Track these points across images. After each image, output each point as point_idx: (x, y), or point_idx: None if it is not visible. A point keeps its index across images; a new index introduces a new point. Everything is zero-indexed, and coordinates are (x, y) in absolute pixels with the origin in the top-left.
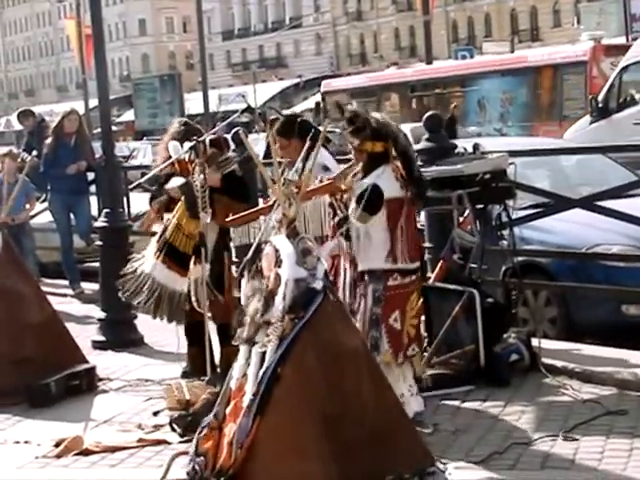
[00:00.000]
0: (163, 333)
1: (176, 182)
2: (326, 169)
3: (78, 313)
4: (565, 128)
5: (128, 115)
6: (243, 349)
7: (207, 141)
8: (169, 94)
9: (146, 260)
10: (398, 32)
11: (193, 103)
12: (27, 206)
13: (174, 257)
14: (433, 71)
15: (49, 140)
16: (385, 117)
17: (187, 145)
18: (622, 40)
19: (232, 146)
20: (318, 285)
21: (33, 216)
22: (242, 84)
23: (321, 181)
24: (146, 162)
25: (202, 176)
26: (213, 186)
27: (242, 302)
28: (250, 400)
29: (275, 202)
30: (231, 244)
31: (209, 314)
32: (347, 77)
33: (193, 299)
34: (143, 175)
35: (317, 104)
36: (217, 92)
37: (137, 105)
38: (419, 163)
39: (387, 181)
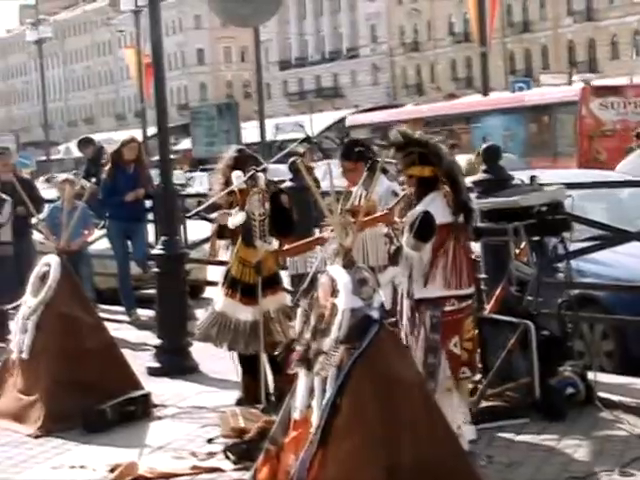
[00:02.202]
0: (218, 361)
1: (237, 219)
2: (396, 195)
3: (134, 339)
4: (558, 163)
5: (185, 143)
6: (303, 379)
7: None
8: (226, 123)
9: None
10: (455, 63)
11: (249, 132)
12: (85, 232)
13: (236, 285)
14: (443, 108)
15: (107, 167)
16: (433, 140)
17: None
18: None
19: None
20: (374, 315)
21: (91, 243)
22: (299, 113)
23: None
24: (202, 190)
25: (260, 204)
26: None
27: (298, 331)
28: (313, 435)
29: (332, 232)
30: (285, 273)
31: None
32: (370, 112)
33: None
34: (199, 203)
35: (341, 139)
36: (274, 121)
37: (194, 133)
38: (474, 194)
39: (438, 207)
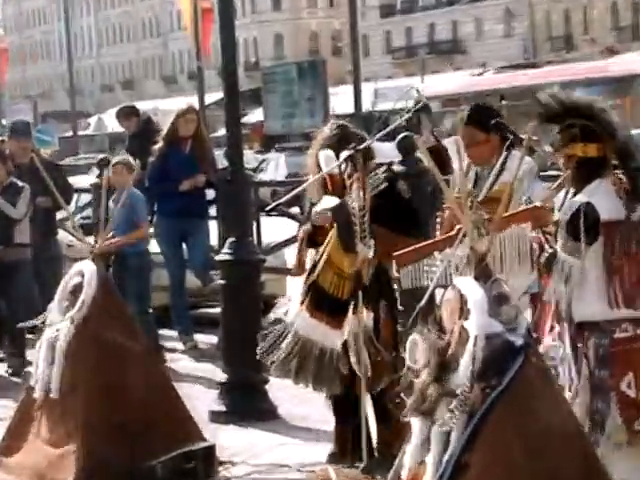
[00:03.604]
0: (303, 403)
1: (327, 203)
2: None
3: (191, 374)
4: None
5: (255, 115)
6: (418, 427)
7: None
8: (309, 87)
9: (291, 306)
10: (616, 8)
11: (340, 99)
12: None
13: (323, 302)
14: (523, 78)
15: (158, 146)
16: (600, 106)
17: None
18: None
19: None
20: (518, 343)
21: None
22: (405, 75)
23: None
24: (279, 177)
25: (361, 195)
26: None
27: (412, 364)
28: None
29: (460, 232)
30: (395, 287)
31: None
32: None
33: (352, 359)
34: (274, 194)
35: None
36: (372, 85)
37: (267, 102)
38: None
39: (605, 199)
